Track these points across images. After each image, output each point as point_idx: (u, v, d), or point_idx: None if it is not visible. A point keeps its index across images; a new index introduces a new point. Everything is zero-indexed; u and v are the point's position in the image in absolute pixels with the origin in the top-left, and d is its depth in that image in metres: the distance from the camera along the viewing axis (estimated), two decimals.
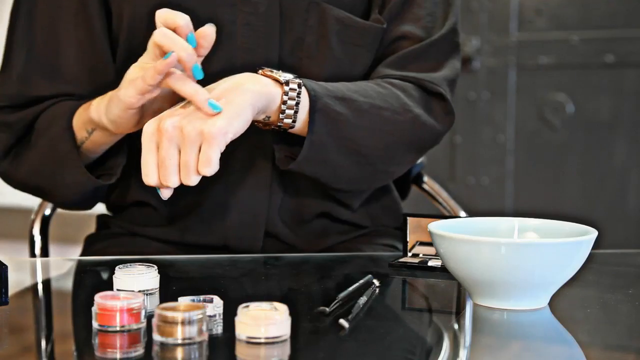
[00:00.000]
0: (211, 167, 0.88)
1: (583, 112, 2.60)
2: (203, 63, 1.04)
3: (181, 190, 1.09)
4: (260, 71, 0.98)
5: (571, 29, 2.59)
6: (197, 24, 1.04)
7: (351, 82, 1.06)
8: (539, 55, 2.62)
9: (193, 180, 0.89)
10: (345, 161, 1.04)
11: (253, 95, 0.93)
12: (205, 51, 0.94)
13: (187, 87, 0.91)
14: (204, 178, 1.08)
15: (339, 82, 1.06)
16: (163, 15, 0.92)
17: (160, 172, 0.89)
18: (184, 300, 0.75)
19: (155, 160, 0.89)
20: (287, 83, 0.97)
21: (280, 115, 0.98)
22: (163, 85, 0.93)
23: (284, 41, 1.06)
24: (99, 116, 1.00)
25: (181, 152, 0.89)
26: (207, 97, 0.90)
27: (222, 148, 0.89)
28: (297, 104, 0.98)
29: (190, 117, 0.89)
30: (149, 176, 0.90)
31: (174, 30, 0.91)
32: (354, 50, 1.09)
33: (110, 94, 0.99)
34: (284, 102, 0.97)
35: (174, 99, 0.97)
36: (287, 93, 0.97)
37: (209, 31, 0.92)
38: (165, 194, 0.91)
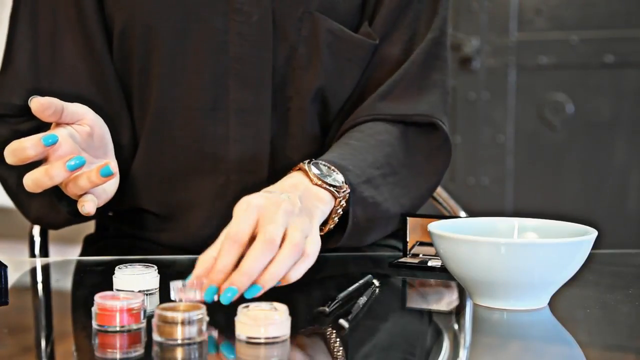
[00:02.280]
0: (293, 280, 0.79)
1: (583, 112, 2.60)
2: (196, 72, 1.03)
3: (180, 198, 1.09)
4: (315, 180, 0.92)
5: (571, 29, 2.59)
6: (191, 33, 1.04)
7: (358, 142, 1.04)
8: (539, 55, 2.62)
9: (268, 287, 0.77)
10: (374, 232, 1.05)
11: (321, 216, 0.90)
12: (53, 117, 0.86)
13: (88, 181, 0.86)
14: (202, 188, 1.07)
15: (338, 145, 1.04)
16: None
17: (236, 275, 0.75)
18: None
19: (231, 263, 0.77)
20: (338, 192, 0.93)
21: (328, 225, 0.94)
22: (86, 188, 0.87)
23: (277, 51, 1.05)
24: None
25: (278, 257, 0.77)
26: (97, 173, 0.85)
27: None
28: (342, 206, 0.95)
29: (295, 225, 0.80)
30: (199, 270, 0.78)
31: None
32: (344, 64, 1.08)
33: None
34: (333, 216, 0.94)
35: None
36: (340, 203, 0.94)
37: (35, 105, 0.84)
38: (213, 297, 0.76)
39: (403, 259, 1.01)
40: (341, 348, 0.71)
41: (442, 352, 0.71)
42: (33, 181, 0.84)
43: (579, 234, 0.83)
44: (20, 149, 0.83)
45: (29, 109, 1.07)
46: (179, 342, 0.68)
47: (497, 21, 2.65)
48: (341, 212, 0.95)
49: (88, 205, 0.87)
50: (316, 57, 1.06)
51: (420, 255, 1.02)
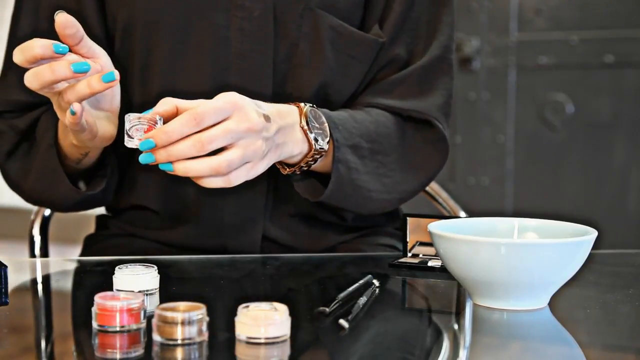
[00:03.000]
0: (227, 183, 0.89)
1: (583, 112, 2.60)
2: (197, 68, 1.03)
3: (179, 195, 1.10)
4: (302, 123, 0.97)
5: (571, 29, 2.59)
6: (192, 29, 1.04)
7: (357, 114, 1.07)
8: (539, 55, 2.61)
9: (211, 182, 0.88)
10: (353, 200, 1.06)
11: (287, 151, 0.95)
12: (72, 40, 0.87)
13: (90, 86, 0.86)
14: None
15: (342, 109, 1.07)
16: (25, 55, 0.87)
17: (159, 136, 0.84)
18: None
19: (179, 133, 0.85)
20: (316, 143, 0.97)
21: (297, 168, 1.00)
22: (80, 99, 0.88)
23: (278, 47, 1.06)
24: (81, 144, 0.98)
25: (199, 161, 0.86)
26: (100, 75, 0.86)
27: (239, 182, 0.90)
28: (315, 160, 0.99)
29: (272, 141, 0.91)
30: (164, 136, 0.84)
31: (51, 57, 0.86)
32: (347, 60, 1.08)
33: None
34: (306, 163, 0.99)
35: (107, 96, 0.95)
36: (313, 156, 0.98)
37: (60, 19, 0.87)
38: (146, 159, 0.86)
39: (403, 259, 1.01)
40: (341, 348, 0.71)
41: (442, 352, 0.71)
42: (34, 73, 0.85)
43: (579, 234, 0.83)
44: (28, 47, 0.85)
45: (25, 105, 1.08)
46: (179, 342, 0.68)
47: (497, 21, 2.65)
48: (311, 164, 0.99)
49: (76, 105, 0.86)
50: (318, 53, 1.06)
51: (420, 255, 1.02)
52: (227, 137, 0.86)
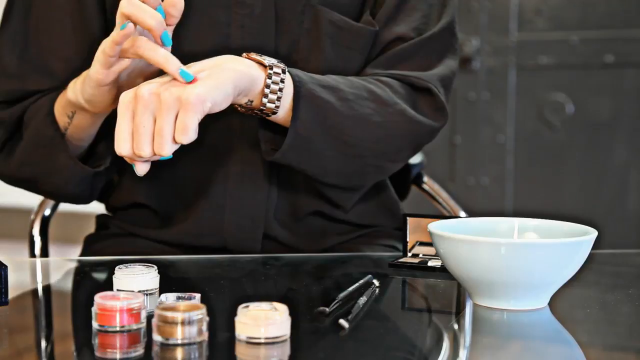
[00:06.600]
0: (188, 135, 0.86)
1: (583, 112, 2.60)
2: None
3: (179, 192, 1.10)
4: (244, 54, 0.96)
5: (571, 29, 2.59)
6: (193, 25, 1.04)
7: (337, 75, 1.05)
8: (539, 55, 2.62)
9: (167, 150, 0.86)
10: (332, 151, 1.02)
11: (235, 73, 0.91)
12: (174, 20, 0.91)
13: (158, 55, 0.89)
14: (201, 181, 1.08)
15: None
16: None
17: (134, 141, 0.86)
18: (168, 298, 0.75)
19: (129, 130, 0.86)
20: (270, 67, 0.95)
21: (263, 99, 0.95)
22: (133, 56, 0.91)
23: (279, 43, 1.06)
24: (76, 97, 0.98)
25: (157, 119, 0.86)
26: (178, 66, 0.88)
27: (200, 117, 0.87)
28: (281, 89, 0.95)
29: (168, 85, 0.87)
30: (121, 146, 0.87)
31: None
32: (346, 53, 1.08)
33: (84, 72, 0.98)
34: (267, 86, 0.95)
35: (150, 73, 0.96)
36: (271, 76, 0.95)
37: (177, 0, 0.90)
38: (141, 170, 0.89)
39: (403, 259, 1.01)
40: (341, 348, 0.71)
41: (442, 352, 0.71)
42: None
43: (579, 234, 0.83)
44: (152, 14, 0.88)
45: (16, 95, 1.07)
46: (179, 342, 0.68)
47: (497, 21, 2.65)
48: (278, 92, 0.95)
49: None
50: (317, 48, 1.06)
51: (420, 255, 1.02)
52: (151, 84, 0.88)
